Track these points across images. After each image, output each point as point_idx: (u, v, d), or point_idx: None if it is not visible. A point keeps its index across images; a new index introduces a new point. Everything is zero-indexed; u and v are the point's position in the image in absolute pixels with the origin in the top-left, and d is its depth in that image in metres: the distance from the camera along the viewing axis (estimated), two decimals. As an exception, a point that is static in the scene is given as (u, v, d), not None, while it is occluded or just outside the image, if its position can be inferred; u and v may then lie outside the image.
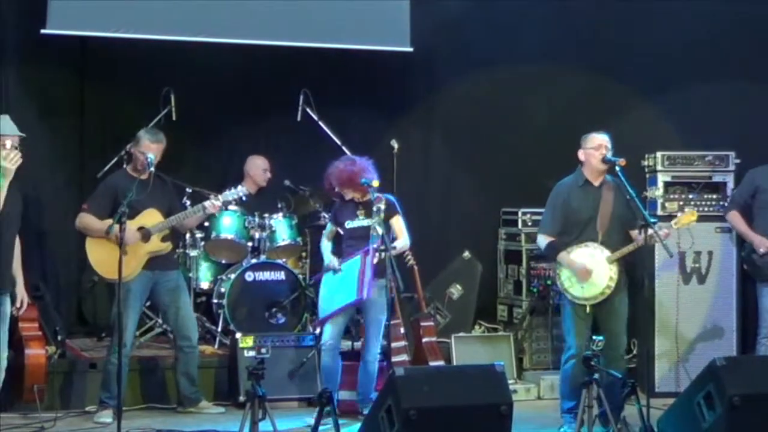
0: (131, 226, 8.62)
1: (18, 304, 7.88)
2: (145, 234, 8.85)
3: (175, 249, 9.39)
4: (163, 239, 8.98)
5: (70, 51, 10.82)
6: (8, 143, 7.54)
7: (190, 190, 10.08)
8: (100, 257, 8.81)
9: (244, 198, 9.30)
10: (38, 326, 9.02)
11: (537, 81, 11.57)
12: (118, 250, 8.28)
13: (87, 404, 9.18)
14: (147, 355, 9.85)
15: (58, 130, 10.79)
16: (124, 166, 9.44)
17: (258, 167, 10.80)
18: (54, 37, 10.26)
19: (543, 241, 8.66)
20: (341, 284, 8.94)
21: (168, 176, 9.25)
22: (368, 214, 8.90)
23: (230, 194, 9.11)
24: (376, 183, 8.93)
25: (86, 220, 8.86)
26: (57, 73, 10.87)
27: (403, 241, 9.09)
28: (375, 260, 8.71)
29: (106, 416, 8.79)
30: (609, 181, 8.51)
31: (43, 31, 10.20)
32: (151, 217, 8.92)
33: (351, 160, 9.15)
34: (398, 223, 9.08)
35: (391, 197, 9.09)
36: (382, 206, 8.77)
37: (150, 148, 8.91)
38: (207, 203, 9.02)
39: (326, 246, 9.20)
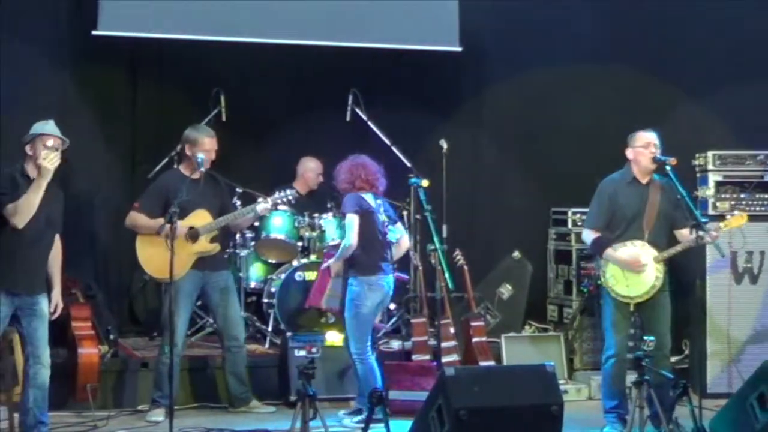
0: (180, 225, 8.62)
1: (52, 309, 7.89)
2: (193, 234, 8.86)
3: (225, 249, 9.42)
4: (212, 240, 8.98)
5: (122, 52, 10.92)
6: (50, 143, 7.59)
7: (241, 191, 10.12)
8: (149, 256, 8.85)
9: (293, 201, 9.32)
10: (91, 325, 9.10)
11: (585, 80, 11.54)
12: (167, 249, 8.28)
13: (139, 403, 9.24)
14: (198, 355, 9.91)
15: (110, 131, 10.88)
16: (176, 165, 9.49)
17: (311, 170, 10.85)
18: (105, 38, 10.35)
19: (589, 235, 8.62)
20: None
21: (221, 176, 9.24)
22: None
23: (280, 197, 9.10)
24: (425, 183, 8.96)
25: (137, 218, 8.89)
26: (109, 74, 10.97)
27: None
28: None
29: (158, 415, 8.82)
30: (656, 180, 8.47)
31: (94, 32, 10.29)
32: (200, 218, 8.92)
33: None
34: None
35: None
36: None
37: (202, 145, 8.91)
38: (258, 206, 9.02)
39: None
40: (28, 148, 7.64)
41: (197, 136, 8.98)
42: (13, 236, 7.51)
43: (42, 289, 7.78)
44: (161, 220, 8.61)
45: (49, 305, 7.82)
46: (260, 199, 9.16)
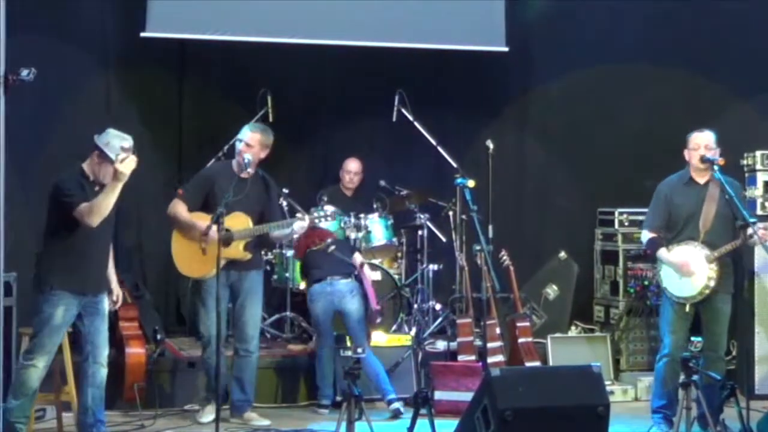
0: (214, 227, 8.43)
1: (114, 298, 7.94)
2: (227, 238, 8.43)
3: (260, 249, 9.12)
4: (246, 247, 8.64)
5: (169, 53, 10.99)
6: (126, 144, 7.58)
7: (285, 203, 9.99)
8: (180, 250, 8.72)
9: (329, 218, 9.28)
10: (138, 326, 9.16)
11: (632, 81, 11.50)
12: (198, 247, 8.38)
13: (185, 402, 9.27)
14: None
15: (157, 132, 10.94)
16: (225, 158, 9.40)
17: (346, 171, 10.84)
18: (153, 40, 10.42)
19: (646, 236, 8.58)
20: None
21: (273, 180, 9.02)
22: None
23: (319, 216, 9.03)
24: (471, 184, 8.95)
25: (178, 208, 8.64)
26: (156, 75, 11.04)
27: None
28: None
29: (207, 414, 8.76)
30: (716, 179, 8.40)
31: (142, 34, 10.38)
32: (237, 221, 8.57)
33: None
34: None
35: None
36: None
37: (255, 142, 8.68)
38: (296, 224, 8.74)
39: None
40: (96, 155, 7.58)
41: (253, 134, 8.72)
42: (81, 237, 7.55)
43: (105, 287, 7.84)
44: (200, 217, 8.51)
45: (109, 301, 7.89)
46: (298, 215, 8.93)
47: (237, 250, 8.60)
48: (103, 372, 7.79)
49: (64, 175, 7.67)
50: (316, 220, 9.00)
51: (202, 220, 8.55)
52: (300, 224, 8.77)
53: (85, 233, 7.53)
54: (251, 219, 8.65)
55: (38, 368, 7.60)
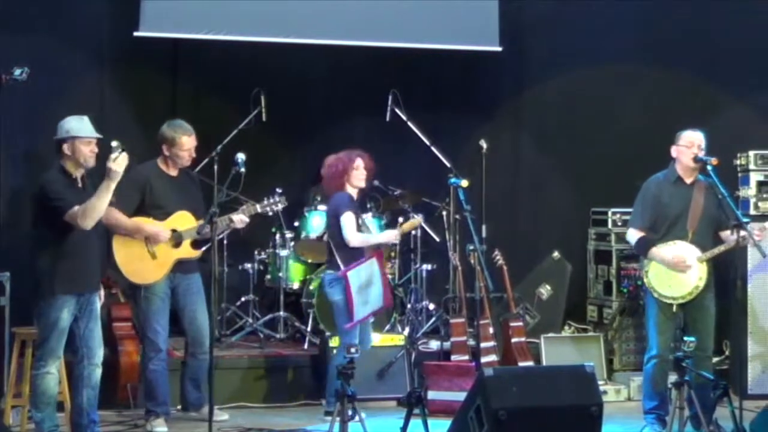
0: (162, 228, 8.46)
1: (102, 293, 7.93)
2: (177, 238, 8.48)
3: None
4: (193, 245, 8.58)
5: (163, 53, 10.97)
6: (114, 144, 7.51)
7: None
8: (127, 257, 8.46)
9: (281, 208, 9.12)
10: (131, 325, 9.16)
11: (626, 81, 11.52)
12: (146, 251, 8.32)
13: (179, 402, 9.21)
14: (237, 354, 9.94)
15: (150, 131, 10.84)
16: (216, 166, 9.40)
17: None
18: (147, 39, 10.41)
19: (633, 235, 8.56)
20: (368, 287, 8.81)
21: (196, 174, 8.96)
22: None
23: (267, 205, 8.84)
24: (465, 183, 8.93)
25: (115, 215, 8.25)
26: (150, 74, 11.02)
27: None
28: None
29: (160, 425, 8.57)
30: (701, 180, 8.42)
31: (136, 33, 10.36)
32: (183, 220, 8.55)
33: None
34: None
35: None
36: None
37: (180, 146, 8.60)
38: (235, 217, 8.66)
39: (367, 235, 9.06)
40: (66, 148, 7.56)
41: (174, 136, 8.63)
42: (76, 237, 7.52)
43: (96, 288, 7.82)
44: (142, 221, 8.42)
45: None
46: (245, 205, 8.81)
47: (187, 250, 8.58)
48: (98, 372, 7.79)
49: (49, 176, 7.60)
50: (267, 208, 8.88)
51: (147, 223, 8.48)
52: (240, 217, 8.68)
53: (79, 233, 7.50)
54: (195, 217, 8.58)
55: (53, 374, 7.61)
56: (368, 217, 10.36)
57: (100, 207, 7.43)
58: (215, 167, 9.47)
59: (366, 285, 8.76)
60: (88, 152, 7.58)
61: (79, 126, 7.62)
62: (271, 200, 8.88)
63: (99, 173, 7.58)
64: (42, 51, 10.07)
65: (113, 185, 7.41)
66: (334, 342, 9.33)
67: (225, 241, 10.33)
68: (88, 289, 7.68)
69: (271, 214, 9.22)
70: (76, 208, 7.41)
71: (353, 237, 8.72)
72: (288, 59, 10.94)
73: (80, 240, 7.55)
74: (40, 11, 10.23)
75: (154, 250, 8.46)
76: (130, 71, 10.86)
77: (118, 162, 7.37)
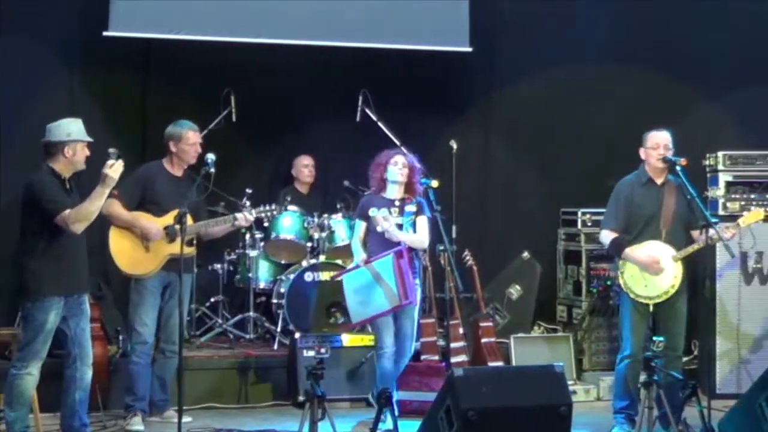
0: (159, 223, 8.56)
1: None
2: (171, 234, 8.60)
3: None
4: (189, 242, 8.56)
5: (133, 53, 10.91)
6: (111, 150, 7.57)
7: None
8: (122, 249, 8.63)
9: (276, 215, 9.28)
10: (100, 326, 9.13)
11: (595, 81, 11.55)
12: (141, 245, 8.45)
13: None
14: (207, 355, 9.92)
15: (121, 131, 10.85)
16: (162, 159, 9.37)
17: (303, 166, 10.92)
18: (117, 38, 10.37)
19: (607, 236, 8.58)
20: (374, 286, 8.70)
21: (197, 176, 8.83)
22: (400, 212, 8.79)
23: (264, 210, 8.99)
24: (435, 184, 8.92)
25: (115, 207, 8.50)
26: (119, 74, 10.97)
27: (419, 237, 8.85)
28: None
29: (137, 423, 8.61)
30: (671, 181, 8.46)
31: (105, 33, 10.31)
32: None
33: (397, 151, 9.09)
34: (421, 223, 8.82)
35: (422, 199, 8.90)
36: (414, 207, 8.72)
37: (187, 139, 8.76)
38: (239, 215, 8.82)
39: (359, 245, 8.90)
40: (67, 150, 7.57)
41: (181, 131, 8.79)
42: (65, 240, 7.52)
43: (87, 289, 7.85)
44: (140, 216, 8.54)
45: None
46: (244, 210, 8.98)
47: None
48: (90, 374, 7.80)
49: (40, 178, 7.58)
50: (261, 214, 9.00)
51: (143, 218, 8.60)
52: (244, 215, 8.82)
53: (68, 235, 7.51)
54: (192, 216, 8.60)
55: (34, 375, 7.59)
56: (338, 218, 10.38)
57: (93, 211, 7.50)
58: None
59: (367, 286, 8.71)
60: (84, 155, 7.64)
61: (79, 129, 7.69)
62: (267, 207, 9.02)
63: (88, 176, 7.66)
64: (11, 51, 10.02)
65: (107, 191, 7.49)
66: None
67: (194, 242, 10.28)
68: (76, 290, 7.68)
69: (266, 224, 9.51)
70: (68, 211, 7.43)
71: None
72: (258, 60, 10.90)
73: (68, 241, 7.55)
74: (8, 11, 10.18)
75: (147, 244, 8.57)
76: (101, 71, 10.81)
77: (114, 169, 7.46)
